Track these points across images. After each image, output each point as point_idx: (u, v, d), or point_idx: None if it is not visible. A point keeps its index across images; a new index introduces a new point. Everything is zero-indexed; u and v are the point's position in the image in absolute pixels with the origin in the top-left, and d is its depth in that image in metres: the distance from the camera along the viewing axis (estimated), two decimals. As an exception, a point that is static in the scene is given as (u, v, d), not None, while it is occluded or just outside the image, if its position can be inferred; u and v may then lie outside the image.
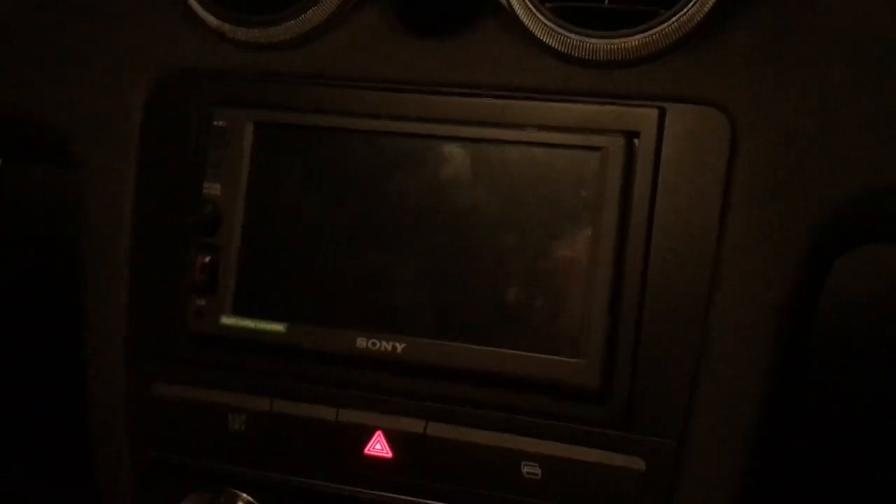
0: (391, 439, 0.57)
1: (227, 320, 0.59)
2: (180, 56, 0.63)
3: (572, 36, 0.54)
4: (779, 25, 0.53)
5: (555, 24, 0.54)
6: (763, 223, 0.52)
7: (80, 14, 0.67)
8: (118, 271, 0.63)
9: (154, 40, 0.64)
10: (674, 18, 0.52)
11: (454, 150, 0.56)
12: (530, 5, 0.55)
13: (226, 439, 0.60)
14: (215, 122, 0.60)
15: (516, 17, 0.56)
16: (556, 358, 0.53)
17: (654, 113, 0.53)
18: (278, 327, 0.58)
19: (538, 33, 0.55)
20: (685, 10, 0.52)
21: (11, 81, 0.68)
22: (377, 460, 0.58)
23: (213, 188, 0.60)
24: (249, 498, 0.61)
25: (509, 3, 0.56)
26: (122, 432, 0.64)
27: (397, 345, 0.56)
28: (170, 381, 0.62)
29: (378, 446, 0.58)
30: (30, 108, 0.68)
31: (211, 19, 0.61)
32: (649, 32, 0.53)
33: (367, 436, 0.58)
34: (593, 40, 0.54)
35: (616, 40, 0.53)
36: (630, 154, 0.53)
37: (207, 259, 0.59)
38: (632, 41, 0.53)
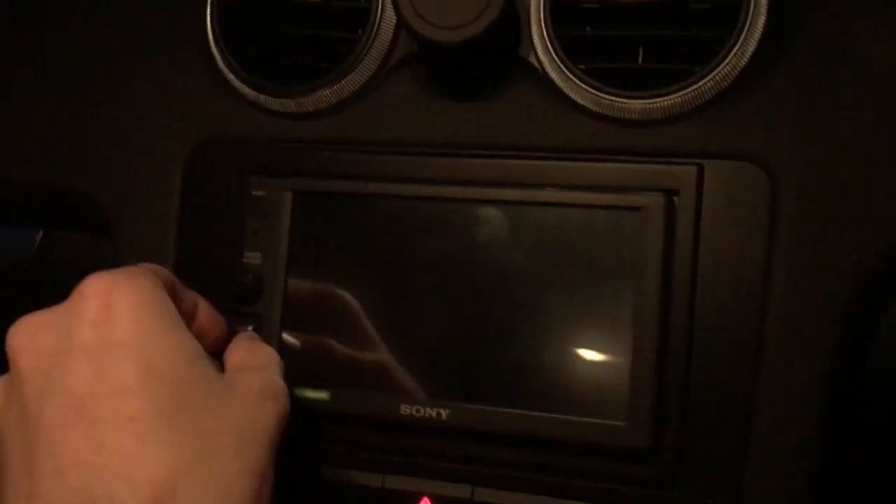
0: (439, 505, 0.57)
1: (270, 389, 0.59)
2: (217, 126, 0.64)
3: (606, 96, 0.54)
4: (815, 77, 0.53)
5: (588, 84, 0.55)
6: (809, 276, 0.52)
7: (116, 86, 0.68)
8: None
9: (191, 111, 0.65)
10: (709, 76, 0.53)
11: (491, 213, 0.56)
12: (563, 67, 0.55)
13: (270, 506, 0.60)
14: (254, 192, 0.61)
15: (549, 78, 0.56)
16: (602, 421, 0.53)
17: (693, 170, 0.53)
18: (322, 395, 0.58)
19: (572, 94, 0.56)
20: (720, 67, 0.53)
21: (50, 154, 0.69)
22: (425, 527, 0.57)
23: (253, 257, 0.60)
24: None
25: (542, 65, 0.57)
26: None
27: (441, 411, 0.55)
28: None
29: (426, 512, 0.57)
30: (68, 179, 0.69)
31: (247, 90, 0.62)
32: (685, 91, 0.53)
33: (414, 502, 0.57)
34: (628, 100, 0.54)
35: (651, 100, 0.54)
36: (670, 213, 0.53)
37: (249, 328, 0.59)
38: (667, 100, 0.53)
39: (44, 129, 0.70)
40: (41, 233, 0.76)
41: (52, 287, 0.77)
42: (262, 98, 0.62)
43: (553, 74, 0.56)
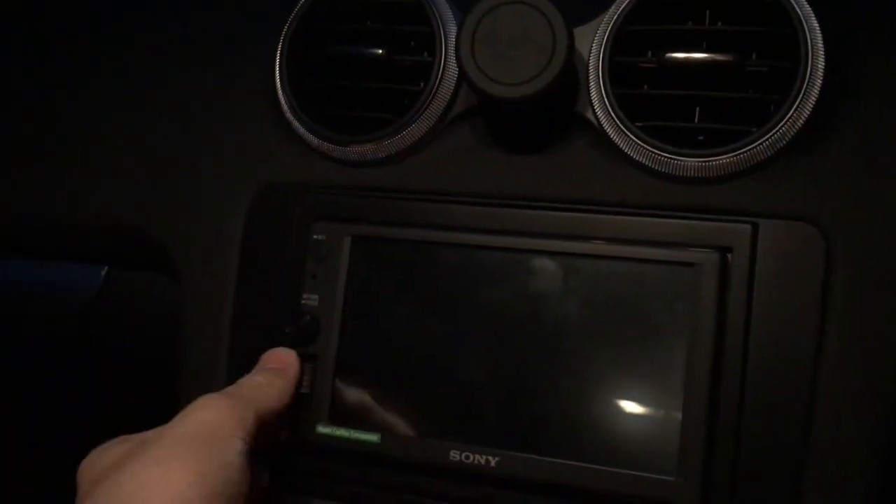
0: (483, 553, 0.57)
1: (322, 429, 0.60)
2: (281, 172, 0.67)
3: (663, 154, 0.55)
4: (872, 140, 0.54)
5: (644, 142, 0.56)
6: (861, 341, 0.52)
7: (182, 129, 0.71)
8: (217, 379, 0.65)
9: (256, 156, 0.68)
10: (765, 137, 0.54)
11: (546, 264, 0.57)
12: (620, 124, 0.57)
13: (317, 546, 0.61)
14: (315, 236, 0.62)
15: (606, 134, 0.58)
16: (653, 476, 0.52)
17: (748, 229, 0.54)
18: (373, 437, 0.59)
19: (628, 150, 0.57)
20: (777, 128, 0.53)
21: (115, 193, 0.72)
22: (469, 574, 0.57)
23: (310, 299, 0.62)
24: None
25: (598, 121, 0.58)
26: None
27: (490, 458, 0.56)
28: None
29: (470, 560, 0.57)
30: (132, 219, 0.71)
31: (311, 139, 0.65)
32: (741, 151, 0.54)
33: (459, 548, 0.58)
34: (684, 159, 0.55)
35: (707, 158, 0.54)
36: (724, 270, 0.53)
37: (304, 368, 0.61)
38: (723, 159, 0.54)
39: (112, 170, 0.73)
40: (105, 269, 0.78)
41: (115, 323, 0.80)
42: (325, 146, 0.64)
43: (610, 131, 0.57)
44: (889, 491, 0.53)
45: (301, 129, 0.65)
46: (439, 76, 0.61)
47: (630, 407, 0.54)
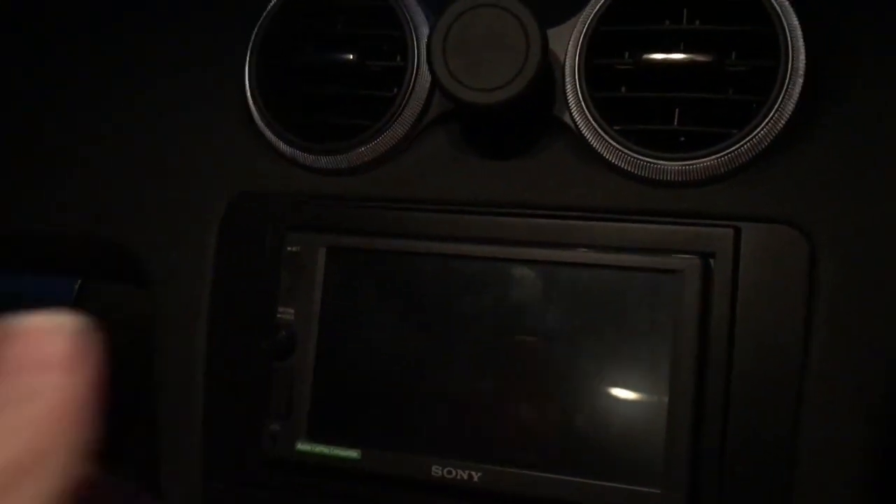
0: (467, 568, 0.56)
1: (302, 446, 0.59)
2: (253, 181, 0.65)
3: (642, 158, 0.54)
4: (854, 141, 0.52)
5: (623, 145, 0.55)
6: (847, 343, 0.51)
7: (154, 139, 0.69)
8: (193, 394, 0.64)
9: (228, 165, 0.66)
10: (746, 139, 0.52)
11: (525, 273, 0.56)
12: (598, 127, 0.55)
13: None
14: (288, 247, 0.61)
15: (584, 138, 0.56)
16: (637, 488, 0.51)
17: (730, 233, 0.52)
18: (353, 453, 0.58)
19: (606, 155, 0.56)
20: (757, 130, 0.52)
21: (87, 204, 0.71)
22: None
23: (286, 313, 0.60)
24: None
25: (576, 125, 0.57)
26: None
27: (473, 473, 0.55)
28: (245, 502, 0.62)
29: (455, 575, 0.56)
30: (104, 230, 0.70)
31: (283, 147, 0.63)
32: (721, 154, 0.53)
33: (443, 564, 0.56)
34: (664, 162, 0.54)
35: (687, 162, 0.53)
36: (707, 276, 0.52)
37: (282, 383, 0.59)
38: (703, 162, 0.53)
39: (83, 181, 0.71)
40: (79, 282, 0.77)
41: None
42: (298, 154, 0.63)
43: (588, 134, 0.56)
44: (879, 495, 0.52)
45: (272, 138, 0.63)
46: (412, 81, 0.60)
47: (614, 418, 0.53)
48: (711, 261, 0.53)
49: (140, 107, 0.70)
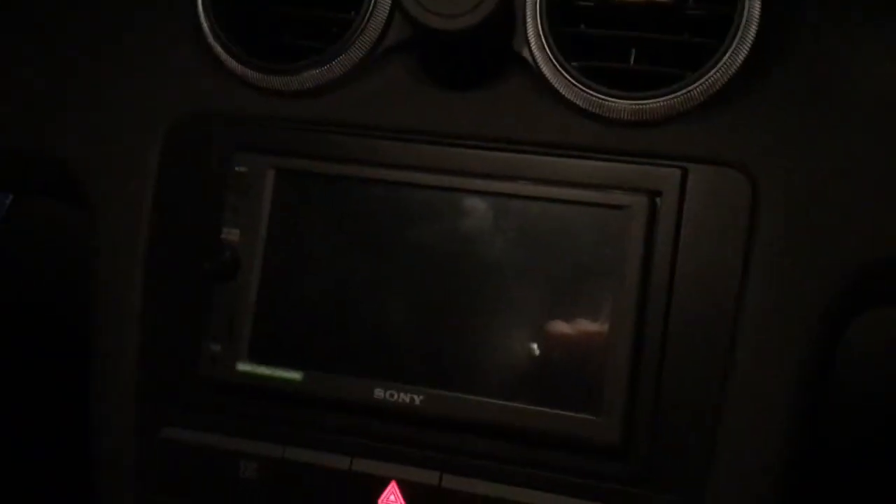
0: (405, 491, 0.57)
1: (242, 367, 0.58)
2: (201, 99, 0.63)
3: (597, 96, 0.55)
4: (804, 90, 0.54)
5: (580, 83, 0.55)
6: (782, 285, 0.53)
7: (98, 53, 0.67)
8: (131, 315, 0.63)
9: (175, 82, 0.64)
10: (699, 82, 0.53)
11: (475, 203, 0.56)
12: (556, 64, 0.56)
13: (236, 486, 0.60)
14: (236, 168, 0.60)
15: (541, 73, 0.57)
16: (575, 415, 0.53)
17: (677, 173, 0.54)
18: (294, 375, 0.58)
19: (563, 91, 0.56)
20: (711, 73, 0.53)
21: (25, 118, 0.68)
22: (390, 512, 0.57)
23: (231, 233, 0.59)
24: None
25: (535, 61, 0.57)
26: (129, 475, 0.63)
27: (415, 396, 0.55)
28: (181, 425, 0.61)
29: (392, 497, 0.57)
30: (43, 145, 0.67)
31: (234, 65, 0.61)
32: (674, 95, 0.54)
33: (381, 486, 0.57)
34: (618, 101, 0.55)
35: (640, 102, 0.54)
36: (653, 213, 0.53)
37: (224, 304, 0.59)
38: (656, 103, 0.54)
39: (21, 93, 0.68)
40: (10, 198, 0.74)
41: (20, 254, 0.76)
42: (249, 74, 0.61)
43: (545, 70, 0.56)
44: (804, 436, 0.55)
45: (224, 55, 0.62)
46: (372, 5, 0.59)
47: (555, 346, 0.54)
48: (658, 199, 0.54)
49: (87, 18, 0.67)
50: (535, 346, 0.54)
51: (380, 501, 0.57)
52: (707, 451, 0.53)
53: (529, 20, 0.57)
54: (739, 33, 0.53)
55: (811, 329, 0.53)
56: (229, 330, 0.59)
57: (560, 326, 0.54)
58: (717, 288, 0.54)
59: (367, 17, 0.59)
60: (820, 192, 0.53)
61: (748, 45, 0.53)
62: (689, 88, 0.54)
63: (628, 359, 0.53)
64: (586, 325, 0.54)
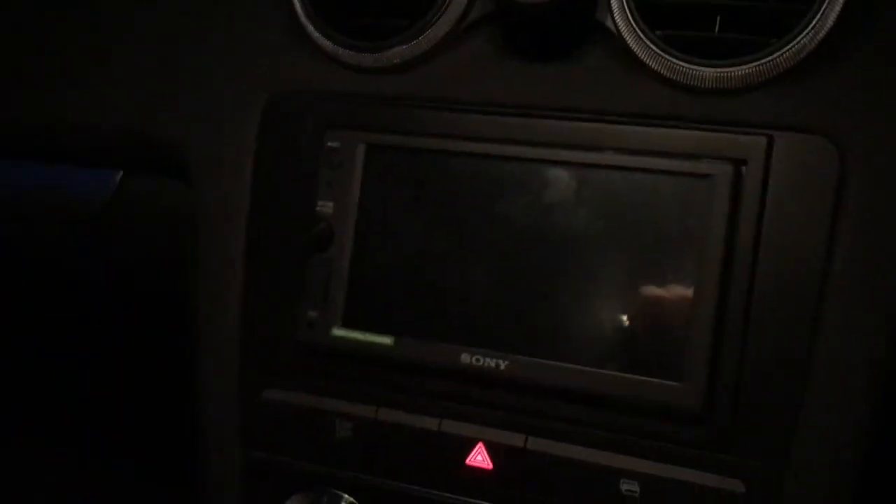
0: (492, 451, 0.59)
1: (337, 332, 0.62)
2: (295, 78, 0.66)
3: (681, 63, 0.55)
4: (889, 55, 0.53)
5: (664, 51, 0.55)
6: (870, 255, 0.52)
7: (196, 34, 0.70)
8: (233, 283, 0.67)
9: (269, 61, 0.67)
10: (785, 48, 0.53)
11: (559, 174, 0.58)
12: (639, 32, 0.56)
13: (332, 444, 0.63)
14: (329, 143, 0.63)
15: (625, 43, 0.57)
16: (658, 381, 0.54)
17: (763, 141, 0.54)
18: (386, 340, 0.60)
19: (647, 60, 0.56)
20: (797, 40, 0.53)
21: (131, 99, 0.72)
22: (477, 471, 0.59)
23: (325, 206, 0.62)
24: (352, 499, 0.64)
25: (618, 30, 0.57)
26: (234, 434, 0.67)
27: (500, 362, 0.57)
28: (281, 387, 0.65)
29: (479, 458, 0.60)
30: (148, 124, 0.72)
31: (326, 43, 0.64)
32: (760, 62, 0.53)
33: (469, 447, 0.60)
34: (702, 68, 0.55)
35: (725, 69, 0.54)
36: (738, 182, 0.53)
37: (320, 273, 0.62)
38: (741, 70, 0.54)
39: (126, 75, 0.73)
40: (120, 174, 0.79)
41: (130, 228, 0.81)
42: (340, 52, 0.64)
43: (629, 39, 0.57)
44: (889, 406, 0.54)
45: (315, 34, 0.65)
46: None
47: (638, 314, 0.55)
48: (743, 168, 0.54)
49: (185, 5, 0.71)
50: (618, 313, 0.55)
51: (468, 462, 0.60)
52: (790, 418, 0.53)
53: (613, -10, 0.57)
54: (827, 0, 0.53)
55: None
56: (325, 297, 0.62)
57: (644, 294, 0.55)
58: (802, 257, 0.53)
59: (451, -7, 0.61)
60: None
61: (837, 10, 0.52)
62: (775, 55, 0.53)
63: (711, 326, 0.53)
64: (670, 293, 0.54)
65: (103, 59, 0.73)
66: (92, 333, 0.84)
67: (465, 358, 0.58)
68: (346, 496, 0.64)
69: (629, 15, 0.56)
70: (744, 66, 0.54)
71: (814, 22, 0.53)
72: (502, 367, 0.57)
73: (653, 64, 0.56)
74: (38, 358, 0.88)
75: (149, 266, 0.81)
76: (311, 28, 0.65)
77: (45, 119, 0.76)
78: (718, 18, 0.55)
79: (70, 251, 0.80)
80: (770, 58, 0.53)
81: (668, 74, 0.56)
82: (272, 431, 0.65)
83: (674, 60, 0.55)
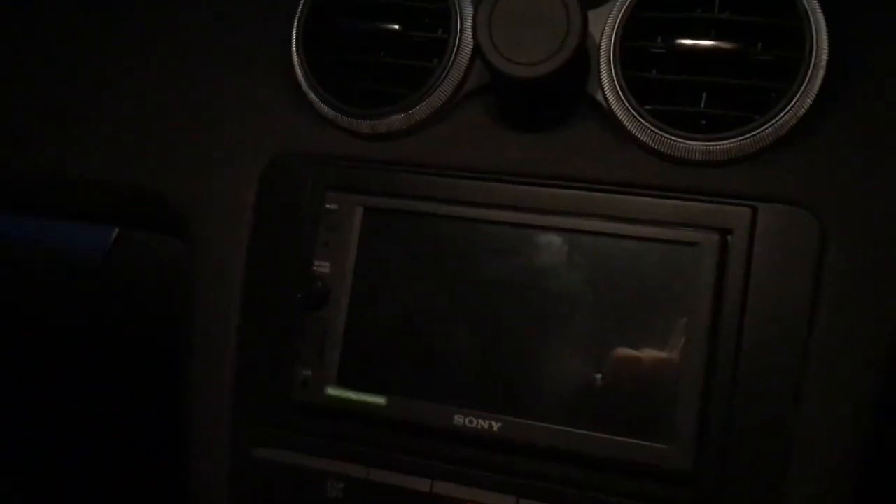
0: (483, 513, 0.60)
1: (331, 391, 0.62)
2: (294, 141, 0.68)
3: (669, 137, 0.58)
4: (872, 131, 0.56)
5: (652, 125, 0.58)
6: (851, 323, 0.54)
7: (200, 96, 0.72)
8: (227, 340, 0.67)
9: (270, 124, 0.69)
10: (768, 124, 0.56)
11: (549, 239, 0.59)
12: (629, 107, 0.59)
13: (322, 503, 0.63)
14: (327, 205, 0.64)
15: (615, 116, 0.60)
16: (648, 443, 0.55)
17: (747, 212, 0.56)
18: (379, 400, 0.61)
19: (635, 132, 0.59)
20: (780, 116, 0.56)
21: (132, 156, 0.74)
22: (468, 533, 0.60)
23: (322, 266, 0.64)
24: None
25: (608, 104, 0.60)
26: (223, 493, 0.67)
27: (493, 423, 0.58)
28: (272, 445, 0.65)
29: (470, 520, 0.60)
30: (148, 181, 0.73)
31: (325, 110, 0.66)
32: (744, 137, 0.56)
33: (460, 508, 0.60)
34: (690, 143, 0.57)
35: (712, 143, 0.57)
36: (724, 250, 0.56)
37: (315, 332, 0.63)
38: (727, 144, 0.56)
39: (128, 132, 0.74)
40: (116, 231, 0.80)
41: (125, 284, 0.82)
42: (339, 118, 0.66)
43: (619, 113, 0.59)
44: (875, 468, 0.56)
45: (315, 100, 0.67)
46: (454, 53, 0.63)
47: (628, 377, 0.56)
48: (728, 237, 0.56)
49: (189, 62, 0.73)
50: (607, 375, 0.57)
51: (459, 523, 0.60)
52: (777, 479, 0.54)
53: (603, 65, 0.60)
54: (808, 79, 0.55)
55: (879, 365, 0.54)
56: (319, 355, 0.63)
57: (633, 357, 0.56)
58: (786, 322, 0.55)
59: (449, 64, 0.63)
60: (885, 232, 0.54)
61: (816, 88, 0.56)
62: (759, 130, 0.56)
63: (700, 388, 0.55)
64: (658, 356, 0.56)
65: (104, 113, 0.75)
66: (83, 387, 0.84)
67: (457, 419, 0.59)
68: (336, 557, 0.64)
69: (619, 90, 0.59)
70: (728, 141, 0.56)
71: (795, 99, 0.56)
72: (495, 428, 0.58)
73: (642, 136, 0.59)
74: (27, 411, 0.87)
75: (142, 321, 0.81)
76: (310, 93, 0.67)
77: (41, 173, 0.77)
78: (704, 95, 0.58)
79: (64, 305, 0.80)
80: (753, 133, 0.56)
81: (656, 147, 0.58)
82: (261, 490, 0.65)
83: (662, 134, 0.58)
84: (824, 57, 0.56)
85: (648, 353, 0.56)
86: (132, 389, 0.82)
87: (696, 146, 0.57)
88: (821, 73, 0.56)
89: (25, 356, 0.85)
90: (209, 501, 0.68)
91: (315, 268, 0.64)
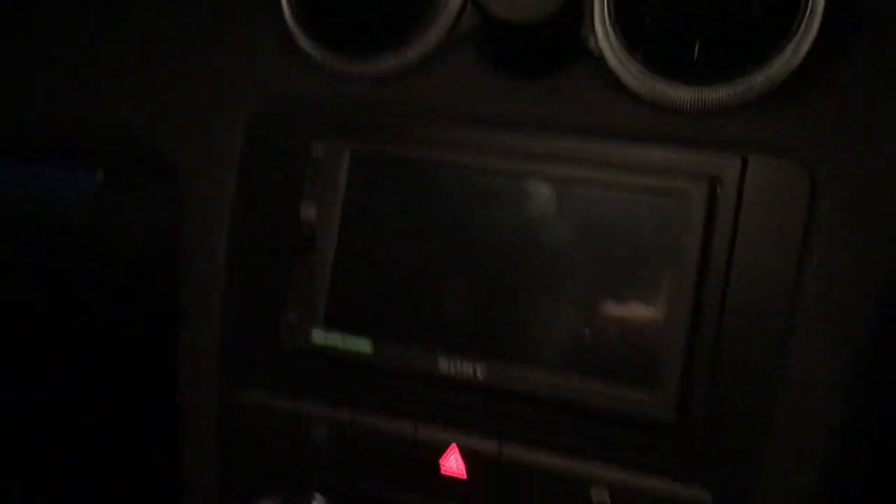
0: (466, 457, 0.60)
1: (317, 335, 0.62)
2: (282, 84, 0.67)
3: (660, 85, 0.57)
4: (866, 83, 0.55)
5: (643, 73, 0.57)
6: (838, 277, 0.54)
7: (186, 39, 0.71)
8: (213, 289, 0.67)
9: (256, 66, 0.68)
10: (762, 73, 0.55)
11: (539, 187, 0.59)
12: (620, 54, 0.58)
13: (307, 446, 0.64)
14: (314, 149, 0.64)
15: (607, 64, 0.59)
16: (632, 391, 0.56)
17: (737, 161, 0.55)
18: (365, 345, 0.61)
19: (627, 80, 0.58)
20: (773, 65, 0.55)
21: (118, 98, 0.73)
22: (451, 476, 0.61)
23: (309, 211, 0.63)
24: (324, 500, 0.65)
25: (599, 51, 0.59)
26: (211, 435, 0.68)
27: (478, 368, 0.59)
28: (260, 388, 0.66)
29: (453, 462, 0.61)
30: (131, 126, 0.72)
31: (314, 52, 0.65)
32: (737, 86, 0.55)
33: (443, 452, 0.61)
34: (682, 91, 0.56)
35: (703, 91, 0.56)
36: (713, 199, 0.55)
37: (302, 276, 0.63)
38: (718, 92, 0.56)
39: (114, 75, 0.73)
40: (102, 174, 0.79)
41: (112, 228, 0.81)
42: (328, 60, 0.65)
43: (610, 60, 0.58)
44: (861, 419, 0.56)
45: (304, 42, 0.66)
46: None
47: (613, 324, 0.56)
48: (717, 187, 0.56)
49: (173, 8, 0.72)
50: (593, 323, 0.57)
51: (442, 467, 0.61)
52: (762, 429, 0.55)
53: (597, 11, 0.59)
54: (803, 26, 0.55)
55: (867, 323, 0.54)
56: (306, 299, 0.63)
57: (618, 305, 0.56)
58: (774, 275, 0.55)
59: (441, 6, 0.62)
60: (878, 186, 0.54)
61: (811, 37, 0.55)
62: (752, 80, 0.55)
63: (684, 338, 0.55)
64: (644, 305, 0.56)
65: (93, 57, 0.74)
66: (69, 335, 0.84)
67: (442, 364, 0.59)
68: (319, 496, 0.65)
69: (611, 36, 0.58)
70: (720, 89, 0.56)
71: (789, 48, 0.55)
72: (479, 373, 0.59)
73: (632, 84, 0.58)
74: (12, 361, 0.87)
75: (131, 267, 0.81)
76: (299, 36, 0.66)
77: (31, 117, 0.77)
78: (698, 43, 0.57)
79: (50, 250, 0.80)
80: (746, 82, 0.55)
81: (647, 95, 0.58)
82: (248, 432, 0.66)
83: (653, 82, 0.57)
84: (821, 5, 0.55)
85: (635, 301, 0.56)
86: (121, 337, 0.83)
87: (686, 94, 0.56)
88: (816, 20, 0.55)
89: (11, 305, 0.85)
90: (197, 444, 0.69)
91: (302, 212, 0.64)
